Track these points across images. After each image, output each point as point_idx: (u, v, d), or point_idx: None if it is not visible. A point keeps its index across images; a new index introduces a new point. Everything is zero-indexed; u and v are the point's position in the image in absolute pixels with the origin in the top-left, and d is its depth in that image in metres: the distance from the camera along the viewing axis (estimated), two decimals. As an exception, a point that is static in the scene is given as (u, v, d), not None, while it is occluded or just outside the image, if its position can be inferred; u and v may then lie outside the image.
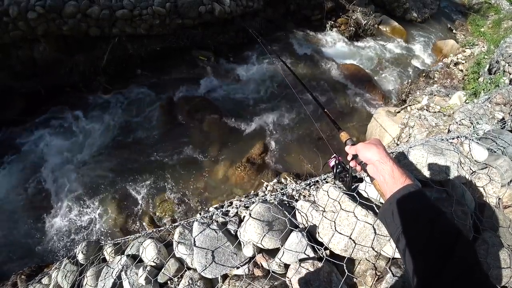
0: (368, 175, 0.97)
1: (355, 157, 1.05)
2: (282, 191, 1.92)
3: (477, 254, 0.64)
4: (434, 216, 0.71)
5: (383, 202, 0.85)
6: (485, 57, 7.26)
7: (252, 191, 4.25)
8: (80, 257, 2.22)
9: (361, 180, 1.49)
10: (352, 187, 1.42)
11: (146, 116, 5.97)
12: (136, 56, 6.66)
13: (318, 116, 5.15)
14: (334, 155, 1.24)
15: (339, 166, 1.20)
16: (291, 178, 4.15)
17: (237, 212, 2.08)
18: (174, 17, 6.57)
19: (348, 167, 1.16)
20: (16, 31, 5.49)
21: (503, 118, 3.63)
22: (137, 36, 6.54)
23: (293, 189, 2.04)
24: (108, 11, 5.93)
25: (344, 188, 1.38)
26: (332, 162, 1.23)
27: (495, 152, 2.18)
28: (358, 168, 1.05)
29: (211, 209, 3.36)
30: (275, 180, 4.27)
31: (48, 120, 5.74)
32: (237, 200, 3.70)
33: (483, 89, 5.11)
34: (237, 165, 5.00)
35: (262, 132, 5.72)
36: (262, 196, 2.75)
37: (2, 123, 5.56)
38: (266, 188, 3.94)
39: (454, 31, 11.00)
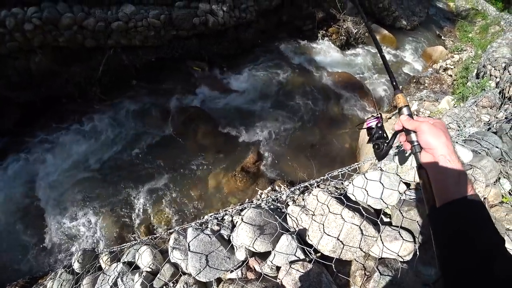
0: (417, 160, 0.82)
1: (408, 132, 0.85)
2: (273, 196, 1.98)
3: None
4: (495, 252, 0.60)
5: (426, 198, 0.76)
6: (473, 62, 7.47)
7: (247, 199, 4.29)
8: (76, 266, 2.23)
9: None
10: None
11: (141, 126, 6.01)
12: (131, 67, 6.74)
13: (311, 122, 5.23)
14: (378, 114, 1.04)
15: (380, 131, 1.00)
16: (285, 185, 4.20)
17: (232, 220, 2.13)
18: (168, 28, 6.69)
19: (390, 137, 0.95)
20: (13, 42, 5.56)
21: (489, 120, 3.75)
22: (132, 47, 6.64)
23: (286, 195, 2.10)
24: (104, 23, 6.03)
25: (374, 155, 1.14)
26: (371, 123, 1.02)
27: (479, 153, 2.26)
28: (407, 146, 0.87)
29: (206, 217, 3.39)
30: (269, 188, 4.31)
31: (43, 131, 5.76)
32: (231, 208, 3.73)
33: (470, 93, 5.25)
34: (231, 174, 5.04)
35: (256, 140, 5.79)
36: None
37: (-3, 134, 5.57)
38: (260, 196, 3.98)
39: (442, 37, 11.29)
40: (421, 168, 0.79)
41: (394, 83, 0.99)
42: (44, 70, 6.02)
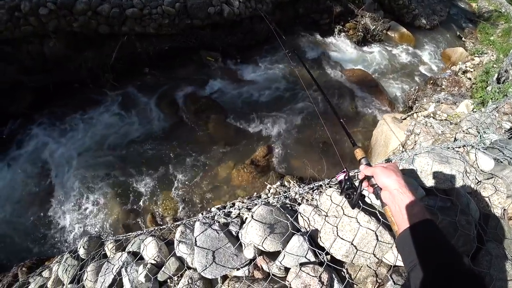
0: (380, 200, 0.94)
1: (368, 178, 1.01)
2: (285, 194, 1.91)
3: None
4: (457, 266, 0.69)
5: (395, 230, 0.85)
6: (494, 66, 7.18)
7: (255, 193, 4.24)
8: (81, 251, 2.23)
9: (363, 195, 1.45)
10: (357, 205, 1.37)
11: (151, 114, 6.01)
12: (144, 54, 6.71)
13: (324, 119, 5.08)
14: (344, 169, 1.19)
15: (348, 182, 1.14)
16: (295, 181, 4.14)
17: (239, 214, 2.08)
18: (183, 17, 6.62)
19: (357, 185, 1.10)
20: (27, 26, 5.58)
21: (511, 128, 3.59)
22: (146, 35, 6.60)
23: (296, 193, 2.03)
24: (118, 10, 6.00)
25: (348, 204, 1.33)
26: (340, 177, 1.16)
27: (501, 162, 2.15)
28: (370, 189, 1.01)
29: (213, 209, 3.36)
30: (278, 183, 4.26)
31: (55, 115, 5.82)
32: (239, 201, 3.70)
33: (491, 98, 5.05)
34: (241, 167, 5.00)
35: (267, 134, 5.72)
36: (265, 198, 2.75)
37: (10, 116, 5.66)
38: (269, 191, 3.93)
39: (463, 38, 10.91)
40: (384, 205, 0.92)
41: (352, 141, 1.27)
42: (58, 55, 6.05)
